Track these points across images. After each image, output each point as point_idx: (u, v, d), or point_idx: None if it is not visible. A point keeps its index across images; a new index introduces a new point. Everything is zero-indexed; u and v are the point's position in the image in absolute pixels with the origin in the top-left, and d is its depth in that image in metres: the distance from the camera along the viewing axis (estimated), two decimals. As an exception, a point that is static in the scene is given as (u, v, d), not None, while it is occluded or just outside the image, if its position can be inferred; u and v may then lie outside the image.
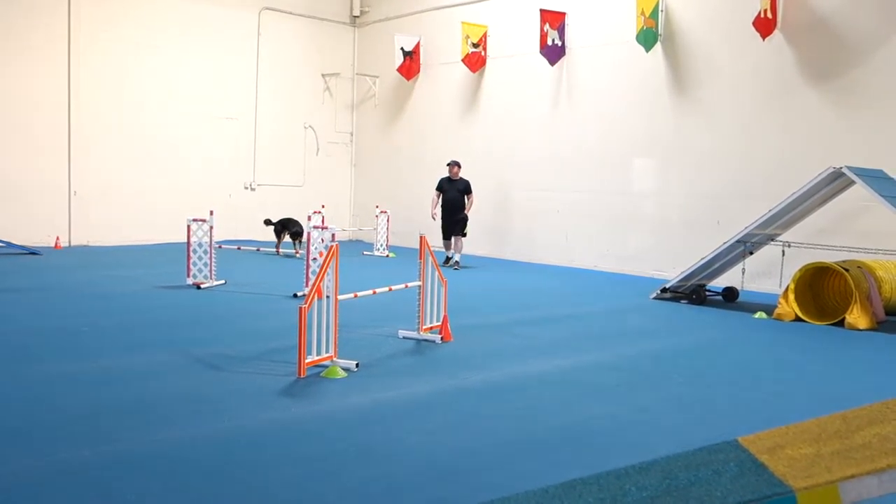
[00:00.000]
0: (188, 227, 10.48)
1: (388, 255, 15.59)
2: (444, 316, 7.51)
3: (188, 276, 10.47)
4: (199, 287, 10.28)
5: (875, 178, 9.09)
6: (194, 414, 4.93)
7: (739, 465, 1.70)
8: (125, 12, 15.81)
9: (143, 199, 16.07)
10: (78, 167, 15.39)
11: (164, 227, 15.92)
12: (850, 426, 1.76)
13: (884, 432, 1.70)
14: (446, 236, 14.03)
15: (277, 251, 14.70)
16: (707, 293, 10.75)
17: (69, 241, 15.29)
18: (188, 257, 10.46)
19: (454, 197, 13.94)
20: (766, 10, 11.65)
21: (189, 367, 6.12)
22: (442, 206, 14.09)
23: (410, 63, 17.64)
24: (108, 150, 15.75)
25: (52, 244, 14.86)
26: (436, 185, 14.28)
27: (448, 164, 14.21)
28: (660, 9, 13.09)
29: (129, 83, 15.92)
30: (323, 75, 18.90)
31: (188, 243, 10.47)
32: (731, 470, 1.68)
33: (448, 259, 13.84)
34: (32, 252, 13.62)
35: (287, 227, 14.65)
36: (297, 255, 14.02)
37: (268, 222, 14.92)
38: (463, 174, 14.21)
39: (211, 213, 10.69)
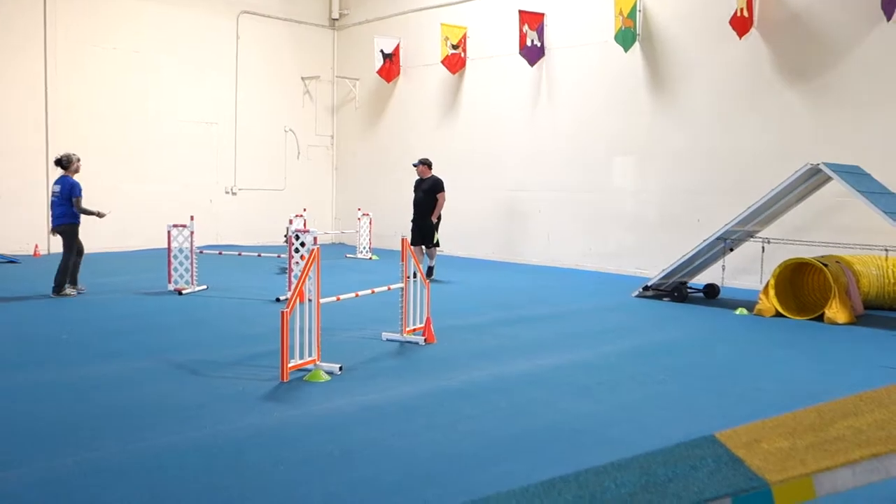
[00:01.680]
0: (168, 232, 10.42)
1: (370, 258, 15.57)
2: (427, 318, 7.51)
3: (169, 281, 10.40)
4: (180, 293, 10.22)
5: (852, 174, 9.20)
6: (176, 420, 4.90)
7: (716, 459, 1.72)
8: (103, 18, 15.68)
9: (123, 205, 15.89)
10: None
11: (144, 233, 15.80)
12: (825, 419, 1.79)
13: (857, 425, 1.72)
14: (414, 243, 12.26)
15: None
16: (688, 290, 10.82)
17: (48, 249, 15.14)
18: (169, 263, 10.40)
19: (419, 199, 12.45)
20: (742, 9, 11.75)
21: (171, 374, 6.09)
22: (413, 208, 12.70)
23: (390, 65, 17.63)
24: (86, 157, 15.50)
25: (31, 252, 14.71)
26: None
27: (414, 165, 12.93)
28: (638, 9, 13.17)
29: (107, 89, 15.79)
30: (303, 78, 18.85)
31: (169, 249, 10.40)
32: (708, 465, 1.70)
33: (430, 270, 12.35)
34: (11, 261, 13.48)
35: None
36: None
37: None
38: (444, 175, 14.12)
39: (191, 218, 10.64)
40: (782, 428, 1.81)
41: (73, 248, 10.14)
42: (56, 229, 10.22)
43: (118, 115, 15.95)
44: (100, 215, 10.30)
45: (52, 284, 10.01)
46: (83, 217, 10.26)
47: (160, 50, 16.48)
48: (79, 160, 10.42)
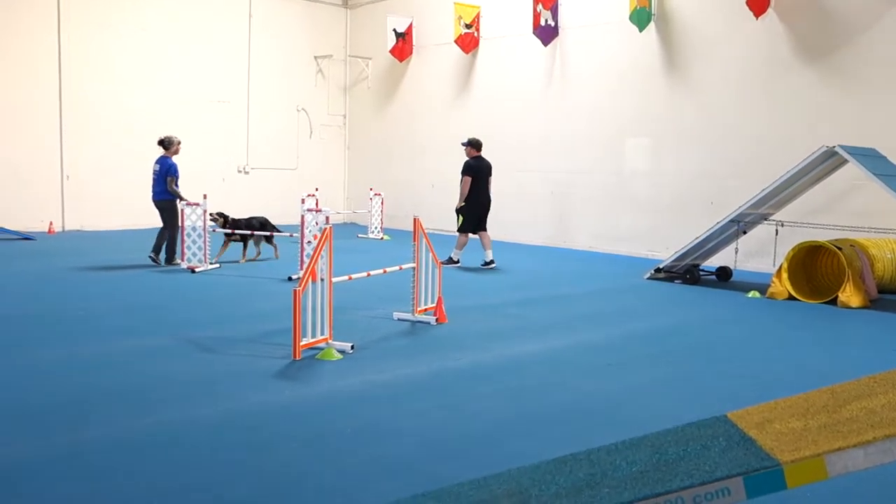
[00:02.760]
0: (181, 210, 10.46)
1: (382, 238, 15.59)
2: (439, 297, 7.53)
3: (182, 259, 10.45)
4: (193, 271, 10.27)
5: (868, 157, 9.11)
6: (189, 396, 4.95)
7: (728, 439, 1.73)
8: (115, -5, 15.68)
9: (136, 183, 15.96)
10: (70, 152, 15.31)
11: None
12: (838, 400, 1.79)
13: (870, 406, 1.72)
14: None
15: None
16: (701, 273, 10.79)
17: (62, 226, 15.24)
18: (182, 241, 10.45)
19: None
20: (759, -11, 11.60)
21: (184, 350, 6.14)
22: None
23: (403, 44, 17.55)
24: (100, 135, 15.67)
25: (46, 229, 14.82)
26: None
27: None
28: (653, -12, 13.03)
29: (120, 67, 15.81)
30: (315, 58, 18.80)
31: (182, 227, 10.44)
32: (720, 444, 1.70)
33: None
34: (26, 237, 13.58)
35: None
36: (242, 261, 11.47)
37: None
38: (455, 155, 14.04)
39: (204, 196, 10.66)
40: (795, 409, 1.81)
41: (170, 222, 10.87)
42: (156, 204, 11.00)
43: (132, 94, 15.97)
44: (181, 199, 10.90)
45: (164, 255, 10.94)
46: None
47: (173, 29, 16.46)
48: (179, 143, 11.18)
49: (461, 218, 11.62)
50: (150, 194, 11.04)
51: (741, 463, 1.63)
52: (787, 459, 1.59)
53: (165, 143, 11.05)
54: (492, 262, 11.61)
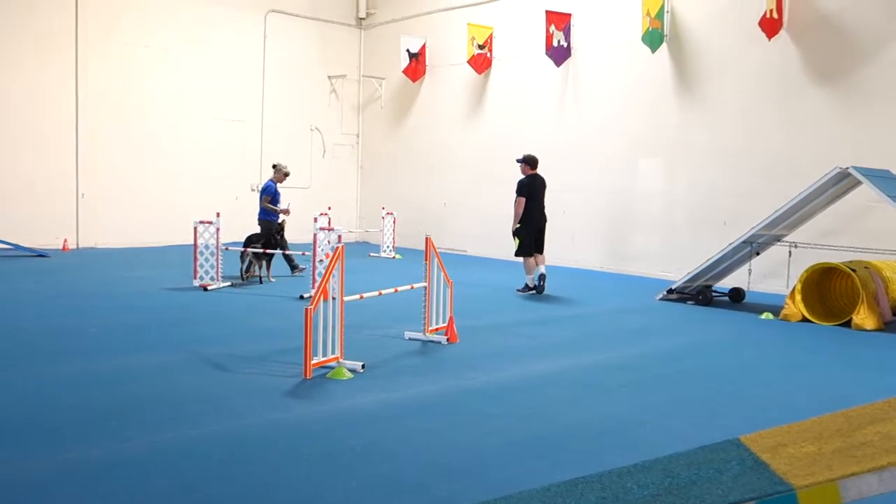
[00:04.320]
0: (195, 229, 10.53)
1: (394, 257, 15.62)
2: (450, 317, 7.52)
3: (195, 277, 10.51)
4: (205, 289, 10.32)
5: (882, 178, 9.07)
6: (201, 413, 4.96)
7: (741, 463, 1.71)
8: (132, 15, 15.87)
9: (150, 200, 16.13)
10: (86, 169, 15.46)
11: (171, 228, 15.96)
12: (853, 424, 1.77)
13: (885, 430, 1.71)
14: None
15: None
16: (713, 294, 10.73)
17: (77, 244, 15.35)
18: (195, 259, 10.51)
19: None
20: (771, 11, 11.63)
21: (195, 367, 6.15)
22: None
23: (416, 65, 17.67)
24: (115, 153, 15.82)
25: (61, 246, 14.93)
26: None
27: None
28: (665, 9, 13.08)
29: (136, 85, 15.98)
30: (329, 77, 18.94)
31: (195, 245, 10.51)
32: (733, 468, 1.69)
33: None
34: (41, 254, 13.69)
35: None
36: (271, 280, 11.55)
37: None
38: (469, 174, 14.05)
39: (217, 215, 10.73)
40: (809, 433, 1.79)
41: (266, 240, 11.47)
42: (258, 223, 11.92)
43: (147, 112, 16.14)
44: (284, 212, 11.97)
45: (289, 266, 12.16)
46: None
47: (189, 48, 16.65)
48: (283, 170, 12.27)
49: (518, 241, 10.89)
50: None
51: (754, 487, 1.61)
52: (801, 484, 1.57)
53: (273, 167, 12.30)
54: (534, 287, 10.92)
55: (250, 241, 11.43)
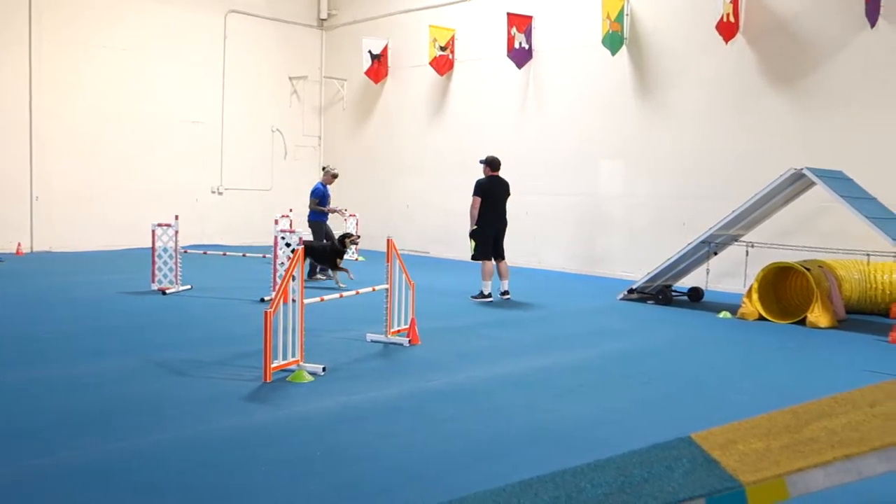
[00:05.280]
0: (153, 232, 10.37)
1: (356, 259, 15.54)
2: (412, 319, 7.51)
3: (153, 281, 10.35)
4: (164, 292, 10.17)
5: (835, 179, 9.27)
6: (157, 420, 4.88)
7: (692, 460, 1.73)
8: (88, 15, 15.59)
9: (106, 203, 15.85)
10: (40, 172, 15.14)
11: (129, 232, 15.71)
12: (800, 421, 1.80)
13: (831, 426, 1.74)
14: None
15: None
16: (673, 293, 10.88)
17: (31, 247, 15.02)
18: (153, 262, 10.35)
19: None
20: (728, 14, 11.83)
21: (153, 373, 6.06)
22: None
23: (378, 66, 17.62)
24: (70, 154, 15.52)
25: (14, 250, 14.60)
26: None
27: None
28: (625, 12, 13.23)
29: (92, 87, 15.70)
30: (290, 78, 18.81)
31: (153, 248, 10.35)
32: (684, 466, 1.71)
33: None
34: (-6, 258, 13.37)
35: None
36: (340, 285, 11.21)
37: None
38: (430, 176, 14.06)
39: (176, 217, 10.59)
40: (758, 429, 1.82)
41: (319, 240, 12.04)
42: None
43: (103, 114, 15.86)
44: (332, 212, 12.69)
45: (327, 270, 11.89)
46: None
47: (147, 48, 16.40)
48: (330, 172, 12.96)
49: (474, 244, 10.54)
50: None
51: (704, 484, 1.63)
52: (749, 480, 1.60)
53: (322, 170, 13.06)
54: (507, 292, 10.63)
55: (311, 250, 11.44)
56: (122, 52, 16.03)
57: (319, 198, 12.50)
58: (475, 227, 10.51)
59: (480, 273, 10.62)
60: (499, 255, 10.72)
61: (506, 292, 10.64)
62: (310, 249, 11.31)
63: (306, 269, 11.57)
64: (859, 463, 1.55)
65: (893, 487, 3.94)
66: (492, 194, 10.61)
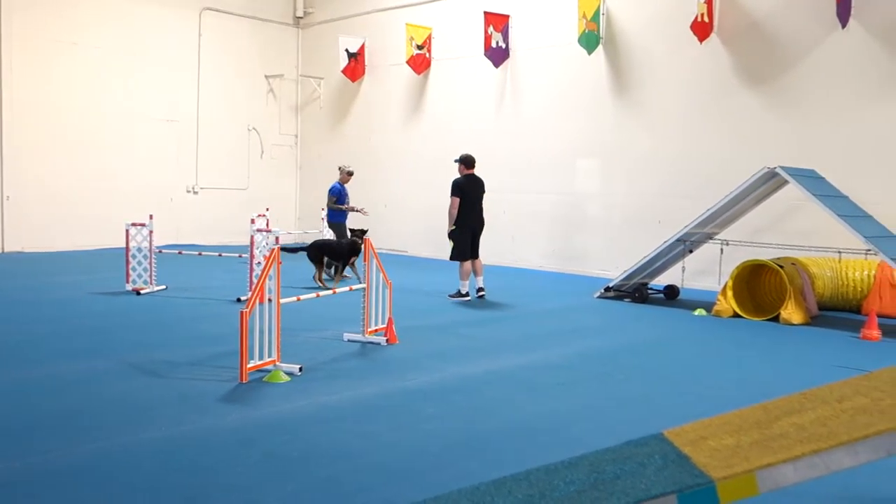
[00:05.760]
0: (127, 231, 10.27)
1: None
2: (390, 318, 7.50)
3: (127, 281, 10.25)
4: (138, 293, 10.07)
5: (807, 178, 9.38)
6: (132, 421, 4.83)
7: (664, 457, 1.75)
8: (60, 12, 15.39)
9: (80, 203, 15.67)
10: (11, 171, 14.92)
11: (102, 232, 15.54)
12: (770, 416, 1.83)
13: (800, 422, 1.76)
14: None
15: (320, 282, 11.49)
16: (649, 291, 10.96)
17: (2, 248, 14.81)
18: (127, 262, 10.25)
19: None
20: (703, 14, 11.93)
21: (127, 374, 6.00)
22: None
23: (355, 65, 17.57)
24: (42, 153, 15.31)
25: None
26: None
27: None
28: (601, 12, 13.30)
29: (65, 85, 15.50)
30: (266, 77, 18.70)
31: (127, 248, 10.25)
32: (656, 462, 1.72)
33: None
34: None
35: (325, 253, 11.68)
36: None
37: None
38: (408, 175, 14.03)
39: (150, 217, 10.49)
40: (728, 425, 1.84)
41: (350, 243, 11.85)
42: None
43: (77, 112, 15.67)
44: (351, 210, 12.62)
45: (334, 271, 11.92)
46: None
47: (120, 46, 16.22)
48: (345, 171, 12.87)
49: (453, 244, 10.48)
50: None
51: (675, 480, 1.65)
52: (720, 476, 1.62)
53: (338, 170, 12.91)
54: (481, 289, 10.63)
55: (325, 247, 11.53)
56: (95, 49, 15.85)
57: (337, 196, 12.54)
58: (454, 227, 10.47)
59: (459, 273, 10.60)
60: (476, 254, 10.70)
61: (481, 289, 10.66)
62: (323, 247, 11.43)
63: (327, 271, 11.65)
64: (827, 458, 1.57)
65: (859, 480, 4.00)
66: (469, 193, 10.55)
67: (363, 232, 11.91)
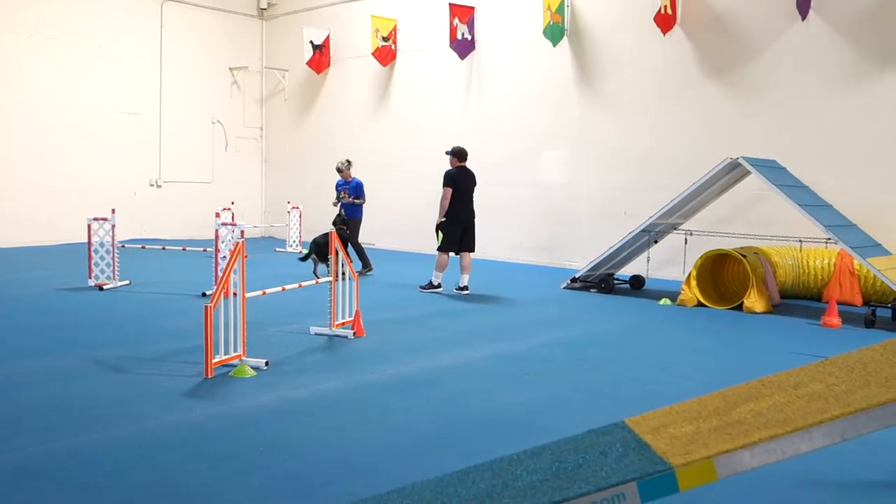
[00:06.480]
0: (88, 226, 10.11)
1: (301, 252, 15.39)
2: (357, 311, 7.48)
3: (90, 277, 10.09)
4: (101, 288, 9.92)
5: (769, 168, 9.53)
6: (95, 419, 4.76)
7: (625, 445, 1.77)
8: (15, 2, 15.04)
9: (40, 198, 15.37)
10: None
11: (63, 227, 15.27)
12: (728, 403, 1.86)
13: (758, 408, 1.80)
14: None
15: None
16: (615, 282, 11.06)
17: (-40, 244, 14.50)
18: (89, 258, 10.09)
19: None
20: (666, 6, 12.03)
21: (90, 371, 5.91)
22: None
23: (320, 57, 17.44)
24: (2, 148, 14.99)
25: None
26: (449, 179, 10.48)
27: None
28: (565, 4, 13.34)
29: (23, 76, 15.17)
30: (230, 69, 18.49)
31: (89, 243, 10.09)
32: (617, 450, 1.75)
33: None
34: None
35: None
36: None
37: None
38: (375, 168, 14.00)
39: (112, 211, 10.33)
40: (688, 413, 1.87)
41: (353, 237, 12.10)
42: (349, 222, 12.01)
43: (35, 105, 15.36)
44: (335, 204, 12.47)
45: (361, 265, 12.11)
46: None
47: (80, 37, 15.93)
48: (337, 168, 12.67)
49: (441, 235, 10.35)
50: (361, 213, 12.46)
51: (636, 468, 1.67)
52: (679, 463, 1.64)
53: (343, 168, 12.63)
54: (465, 287, 10.38)
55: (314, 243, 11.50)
56: (52, 41, 15.53)
57: (352, 191, 12.38)
58: (444, 218, 10.33)
59: (435, 264, 10.45)
60: (468, 247, 10.50)
61: (465, 287, 10.41)
62: (313, 243, 11.48)
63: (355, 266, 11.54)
64: (783, 443, 1.60)
65: (813, 466, 4.09)
66: (461, 185, 10.41)
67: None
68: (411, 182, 15.87)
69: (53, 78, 15.58)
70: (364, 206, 12.49)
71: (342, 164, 12.54)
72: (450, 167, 10.54)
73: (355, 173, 12.82)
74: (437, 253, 10.47)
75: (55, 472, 3.90)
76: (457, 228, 10.37)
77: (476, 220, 10.75)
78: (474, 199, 10.78)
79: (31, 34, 15.25)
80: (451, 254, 10.49)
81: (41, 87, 15.41)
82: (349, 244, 11.55)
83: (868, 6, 10.61)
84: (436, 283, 10.48)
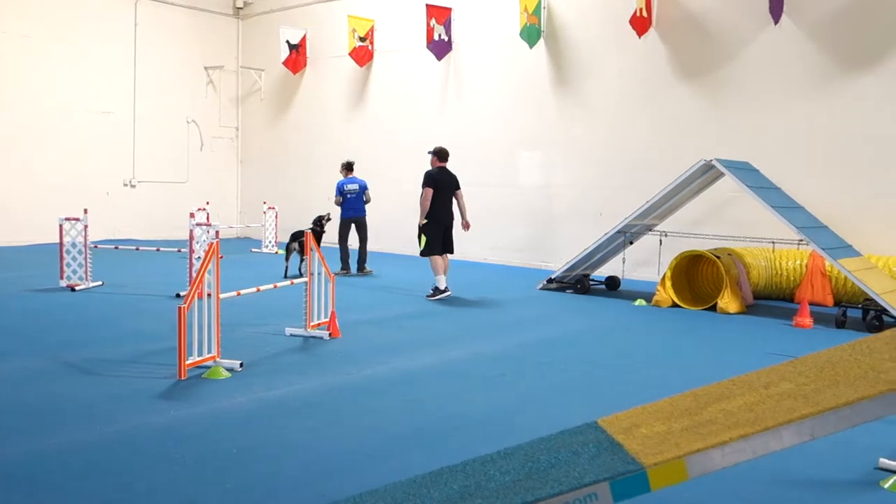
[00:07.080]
0: (60, 226, 9.97)
1: (276, 252, 15.31)
2: (332, 312, 7.45)
3: (61, 277, 9.95)
4: (73, 289, 9.79)
5: (742, 170, 9.62)
6: (64, 421, 4.69)
7: (597, 445, 1.77)
8: (-13, -1, 14.84)
9: (11, 197, 15.15)
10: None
11: (35, 227, 15.05)
12: (700, 403, 1.87)
13: (729, 408, 1.81)
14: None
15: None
16: (591, 283, 11.11)
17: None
18: (61, 258, 9.95)
19: None
20: (641, 9, 12.11)
21: (61, 373, 5.83)
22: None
23: (297, 56, 17.35)
24: (-30, 146, 14.76)
25: None
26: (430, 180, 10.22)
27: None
28: (542, 6, 13.39)
29: (-7, 75, 14.96)
30: (206, 68, 18.34)
31: (61, 243, 9.95)
32: (590, 451, 1.75)
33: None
34: None
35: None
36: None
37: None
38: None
39: (85, 211, 10.20)
40: (660, 413, 1.88)
41: (365, 235, 12.68)
42: (358, 221, 12.62)
43: (6, 103, 15.13)
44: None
45: (357, 265, 12.60)
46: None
47: (52, 35, 15.72)
48: (343, 166, 13.03)
49: (424, 239, 10.02)
50: (349, 213, 12.69)
51: (608, 468, 1.67)
52: (650, 463, 1.64)
53: (352, 166, 12.99)
54: (445, 289, 10.07)
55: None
56: (25, 39, 15.31)
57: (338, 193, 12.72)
58: (426, 220, 10.04)
59: (431, 270, 10.16)
60: (449, 249, 10.28)
61: (444, 289, 10.14)
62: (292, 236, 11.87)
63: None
64: (753, 442, 1.61)
65: (785, 464, 4.13)
66: (441, 186, 10.15)
67: (324, 217, 12.29)
68: (388, 182, 15.81)
69: (24, 76, 15.36)
70: (341, 206, 12.80)
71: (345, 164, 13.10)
72: (430, 167, 10.38)
73: (338, 175, 13.07)
74: (429, 258, 10.12)
75: (19, 476, 3.83)
76: (438, 230, 10.11)
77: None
78: (463, 199, 10.52)
79: (3, 32, 15.02)
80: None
81: (12, 85, 15.18)
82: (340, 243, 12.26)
83: (839, 11, 10.76)
84: (442, 288, 10.08)
